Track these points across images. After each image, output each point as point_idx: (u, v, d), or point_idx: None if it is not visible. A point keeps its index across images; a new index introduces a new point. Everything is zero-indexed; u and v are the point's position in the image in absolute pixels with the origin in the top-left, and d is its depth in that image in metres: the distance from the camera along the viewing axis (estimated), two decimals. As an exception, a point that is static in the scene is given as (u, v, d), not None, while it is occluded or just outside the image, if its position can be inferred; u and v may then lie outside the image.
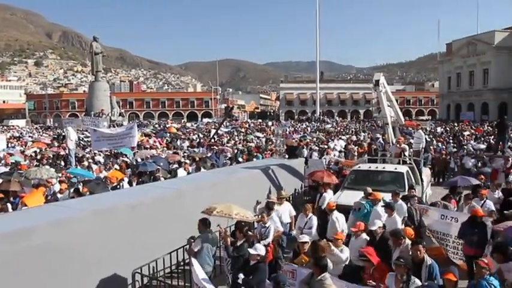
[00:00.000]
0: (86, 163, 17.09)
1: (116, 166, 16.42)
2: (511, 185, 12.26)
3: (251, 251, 6.31)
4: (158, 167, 14.93)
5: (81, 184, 12.32)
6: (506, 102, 70.07)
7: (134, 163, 17.45)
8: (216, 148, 22.68)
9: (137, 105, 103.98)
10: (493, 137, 29.04)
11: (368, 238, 7.70)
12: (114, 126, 41.94)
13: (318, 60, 77.92)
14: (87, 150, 23.25)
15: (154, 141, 28.74)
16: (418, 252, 5.85)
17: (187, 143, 28.52)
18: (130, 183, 12.70)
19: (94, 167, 16.34)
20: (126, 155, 19.46)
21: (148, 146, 24.65)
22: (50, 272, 6.18)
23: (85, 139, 30.38)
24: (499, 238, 7.28)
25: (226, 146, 24.75)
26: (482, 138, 30.46)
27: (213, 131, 34.31)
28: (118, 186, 12.02)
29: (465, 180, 12.74)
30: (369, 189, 10.07)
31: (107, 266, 7.03)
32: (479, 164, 19.06)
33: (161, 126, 53.85)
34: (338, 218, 9.11)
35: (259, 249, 6.36)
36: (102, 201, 8.14)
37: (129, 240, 7.45)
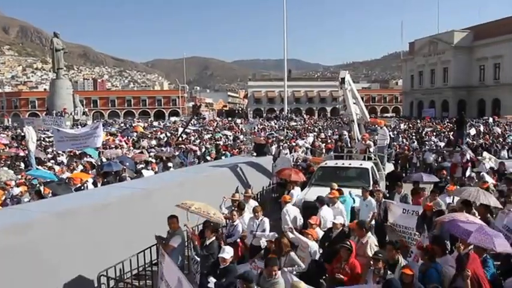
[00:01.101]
0: (48, 164, 16.60)
1: (80, 167, 16.02)
2: (472, 180, 12.69)
3: (220, 255, 6.19)
4: (124, 167, 14.66)
5: (43, 186, 11.94)
6: (464, 100, 72.68)
7: (99, 163, 17.06)
8: (184, 147, 22.48)
9: (102, 104, 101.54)
10: (452, 133, 30.02)
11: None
12: (77, 126, 40.96)
13: (286, 58, 78.34)
14: (49, 150, 22.55)
15: (120, 141, 28.18)
16: (393, 254, 5.87)
17: (154, 142, 28.14)
18: (95, 184, 12.42)
19: (56, 168, 15.88)
20: (90, 155, 19.00)
21: (113, 146, 24.15)
22: (8, 278, 5.94)
23: (47, 139, 29.46)
24: (435, 230, 7.42)
25: (194, 145, 24.58)
26: (443, 134, 31.48)
27: (180, 130, 33.96)
28: (82, 188, 11.73)
29: (429, 177, 13.11)
30: (335, 185, 10.25)
31: (71, 270, 6.84)
32: (439, 159, 19.68)
33: (127, 125, 52.86)
34: (288, 211, 9.30)
35: (228, 252, 6.20)
36: (64, 203, 7.90)
37: (94, 242, 7.27)
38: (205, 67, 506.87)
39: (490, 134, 31.53)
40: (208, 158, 19.51)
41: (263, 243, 7.90)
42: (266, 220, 8.39)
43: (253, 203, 9.90)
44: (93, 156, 18.93)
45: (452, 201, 9.83)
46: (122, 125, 54.55)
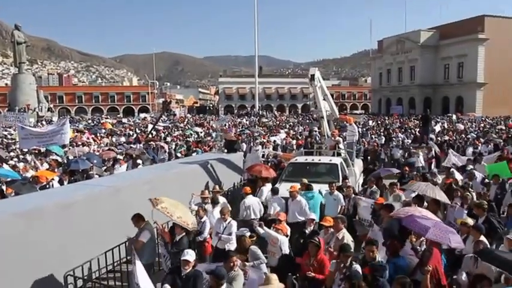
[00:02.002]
0: (11, 162, 16.05)
1: (45, 165, 15.57)
2: (435, 176, 13.06)
3: (183, 257, 5.77)
4: (92, 165, 14.36)
5: (5, 185, 11.54)
6: (430, 97, 74.74)
7: (65, 161, 16.64)
8: (154, 144, 22.21)
9: (68, 100, 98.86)
10: (418, 129, 30.81)
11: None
12: (42, 122, 39.80)
13: (257, 54, 78.37)
14: (12, 148, 21.81)
15: (88, 138, 27.57)
16: (371, 253, 5.88)
17: (123, 139, 27.68)
18: (61, 182, 12.10)
19: (20, 165, 15.39)
20: (55, 153, 18.49)
21: (80, 143, 23.59)
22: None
23: (9, 136, 28.51)
24: (383, 224, 7.59)
25: (165, 142, 24.33)
26: (409, 131, 32.26)
27: (150, 126, 33.53)
28: (47, 186, 11.40)
29: (386, 171, 13.49)
30: (305, 181, 10.37)
31: (36, 270, 6.64)
32: (406, 155, 20.17)
33: (95, 122, 51.79)
34: (245, 202, 9.67)
35: (191, 254, 5.82)
36: (27, 202, 7.65)
37: (60, 241, 7.09)
38: (175, 63, 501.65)
39: (453, 130, 32.55)
40: (178, 154, 19.36)
41: (227, 246, 7.77)
42: (234, 223, 8.17)
43: (221, 200, 9.88)
44: (59, 154, 18.45)
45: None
46: (90, 121, 53.43)
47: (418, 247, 6.49)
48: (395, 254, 6.17)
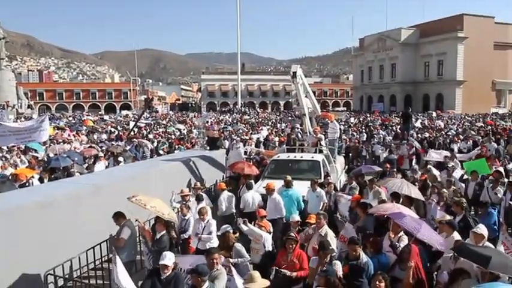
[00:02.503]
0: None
1: (25, 162, 15.33)
2: (415, 172, 13.27)
3: (161, 261, 5.59)
4: (72, 162, 14.18)
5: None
6: (411, 95, 75.86)
7: (45, 159, 16.39)
8: (136, 141, 22.05)
9: (48, 97, 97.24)
10: (399, 126, 31.23)
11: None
12: (22, 120, 39.06)
13: (239, 51, 78.32)
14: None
15: (69, 135, 27.18)
16: (354, 252, 5.87)
17: (105, 136, 27.40)
18: (41, 180, 11.94)
19: (-1, 163, 15.12)
20: (35, 150, 18.20)
21: (61, 141, 23.25)
22: None
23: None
24: (358, 223, 7.69)
25: (147, 139, 24.17)
26: (390, 128, 32.67)
27: (132, 124, 33.24)
28: (27, 184, 11.24)
29: (368, 168, 13.68)
30: (289, 177, 10.42)
31: (15, 270, 6.55)
32: (387, 152, 20.44)
33: (76, 119, 51.09)
34: (225, 197, 9.91)
35: (170, 257, 5.62)
36: (6, 200, 7.54)
37: (41, 240, 7.00)
38: (157, 60, 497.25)
39: (433, 127, 33.09)
40: (161, 152, 19.27)
41: (208, 246, 7.71)
42: (213, 222, 8.10)
43: (205, 197, 9.90)
44: (39, 151, 18.18)
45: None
46: (71, 118, 52.68)
47: (397, 243, 6.56)
48: (378, 251, 6.27)
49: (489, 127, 32.07)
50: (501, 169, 12.57)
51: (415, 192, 8.86)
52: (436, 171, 12.74)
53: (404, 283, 5.66)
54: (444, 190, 9.59)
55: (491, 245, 6.37)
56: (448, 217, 7.53)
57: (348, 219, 8.60)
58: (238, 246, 6.70)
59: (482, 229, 6.51)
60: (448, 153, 16.14)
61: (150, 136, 26.52)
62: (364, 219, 7.80)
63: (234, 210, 10.16)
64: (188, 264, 6.07)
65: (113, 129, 33.01)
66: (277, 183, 10.47)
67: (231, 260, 6.36)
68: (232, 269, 5.96)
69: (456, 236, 6.74)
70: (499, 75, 71.04)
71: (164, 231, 7.03)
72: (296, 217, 8.23)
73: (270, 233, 7.64)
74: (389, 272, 5.88)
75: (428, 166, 13.72)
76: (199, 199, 9.33)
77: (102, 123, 41.95)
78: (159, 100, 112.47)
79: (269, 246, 7.28)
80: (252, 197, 9.97)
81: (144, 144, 20.80)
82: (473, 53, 66.33)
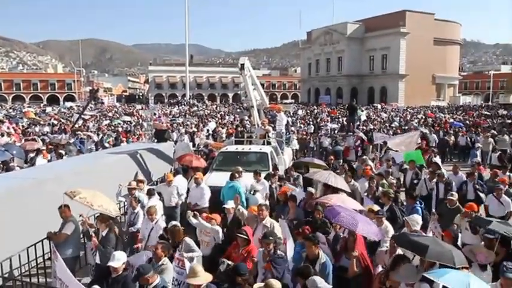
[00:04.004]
0: None
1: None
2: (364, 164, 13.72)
3: (110, 263, 5.37)
4: (12, 156, 13.56)
5: None
6: (356, 88, 78.17)
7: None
8: (81, 134, 21.34)
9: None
10: (345, 118, 32.20)
11: None
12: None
13: (188, 43, 77.19)
14: None
15: (8, 128, 25.83)
16: (311, 250, 5.72)
17: (47, 129, 26.29)
18: (-23, 175, 11.33)
19: None
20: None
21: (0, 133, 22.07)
22: None
23: None
24: (290, 216, 7.83)
25: (92, 131, 23.47)
26: (337, 120, 33.63)
27: (76, 116, 32.06)
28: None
29: (310, 159, 14.04)
30: (239, 169, 10.43)
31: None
32: (333, 143, 21.04)
33: (16, 110, 48.58)
34: (177, 187, 9.82)
35: (119, 258, 5.41)
36: None
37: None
38: (103, 50, 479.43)
39: (378, 119, 34.41)
40: (106, 145, 18.80)
41: None
42: (162, 224, 7.61)
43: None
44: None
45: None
46: (10, 110, 50.06)
47: (342, 234, 6.73)
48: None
49: (430, 119, 33.84)
50: (438, 160, 13.35)
51: (341, 184, 9.01)
52: (370, 163, 13.22)
53: (349, 272, 5.85)
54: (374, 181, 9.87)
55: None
56: (376, 206, 7.72)
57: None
58: (188, 240, 6.67)
59: (416, 218, 6.89)
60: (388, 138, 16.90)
61: (93, 128, 25.79)
62: (295, 211, 7.97)
63: (180, 202, 10.06)
64: (140, 262, 6.00)
65: (56, 122, 31.77)
66: (225, 176, 10.52)
67: (185, 255, 6.35)
68: (186, 262, 5.96)
69: (388, 225, 7.01)
70: (439, 70, 74.65)
71: (107, 229, 6.86)
72: (229, 204, 8.10)
73: (219, 225, 7.62)
74: (336, 261, 6.09)
75: (364, 157, 14.22)
76: (150, 194, 9.10)
77: (44, 115, 40.19)
78: (105, 91, 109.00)
79: (219, 239, 7.27)
80: (201, 192, 9.85)
81: (89, 137, 20.22)
82: (415, 48, 69.19)
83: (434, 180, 10.50)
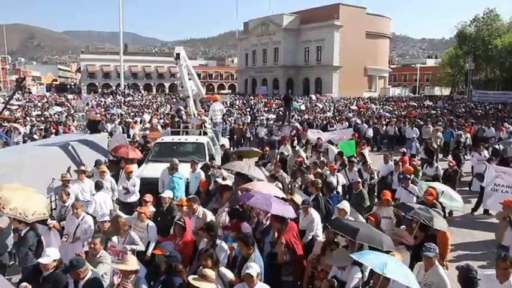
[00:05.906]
0: None
1: None
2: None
3: (40, 260, 5.24)
4: None
5: None
6: (292, 79, 79.66)
7: None
8: (7, 125, 20.23)
9: None
10: (282, 108, 32.94)
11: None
12: None
13: (122, 31, 74.60)
14: None
15: None
16: (244, 250, 5.61)
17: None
18: None
19: None
20: None
21: None
22: None
23: None
24: (226, 207, 7.86)
25: (19, 123, 22.30)
26: (273, 110, 34.33)
27: (1, 106, 30.15)
28: None
29: (248, 148, 14.36)
30: (175, 160, 10.37)
31: None
32: (270, 133, 21.53)
33: None
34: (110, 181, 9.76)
35: (49, 254, 5.25)
36: None
37: None
38: (30, 36, 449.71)
39: (313, 110, 35.51)
40: (35, 136, 18.01)
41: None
42: (89, 220, 7.35)
43: (88, 182, 9.58)
44: None
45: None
46: None
47: (264, 221, 6.99)
48: (239, 232, 6.23)
49: (361, 110, 35.46)
50: (366, 152, 14.11)
51: (258, 174, 9.15)
52: (303, 153, 13.77)
53: (278, 259, 6.09)
54: (306, 175, 10.16)
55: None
56: (299, 197, 8.09)
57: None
58: (133, 233, 6.67)
59: (344, 205, 7.38)
60: (322, 135, 17.61)
61: (23, 119, 24.51)
62: (231, 202, 8.03)
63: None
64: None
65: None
66: (162, 167, 10.54)
67: (128, 247, 6.36)
68: (129, 254, 5.97)
69: (313, 213, 7.30)
70: (370, 62, 77.85)
71: (28, 228, 6.55)
72: (165, 193, 8.14)
73: (150, 218, 7.43)
74: (272, 248, 6.29)
75: (297, 148, 14.76)
76: (98, 187, 8.82)
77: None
78: (33, 80, 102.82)
79: (153, 232, 7.12)
80: (132, 187, 9.81)
81: (16, 129, 19.24)
82: (348, 41, 71.49)
83: (355, 169, 11.20)
